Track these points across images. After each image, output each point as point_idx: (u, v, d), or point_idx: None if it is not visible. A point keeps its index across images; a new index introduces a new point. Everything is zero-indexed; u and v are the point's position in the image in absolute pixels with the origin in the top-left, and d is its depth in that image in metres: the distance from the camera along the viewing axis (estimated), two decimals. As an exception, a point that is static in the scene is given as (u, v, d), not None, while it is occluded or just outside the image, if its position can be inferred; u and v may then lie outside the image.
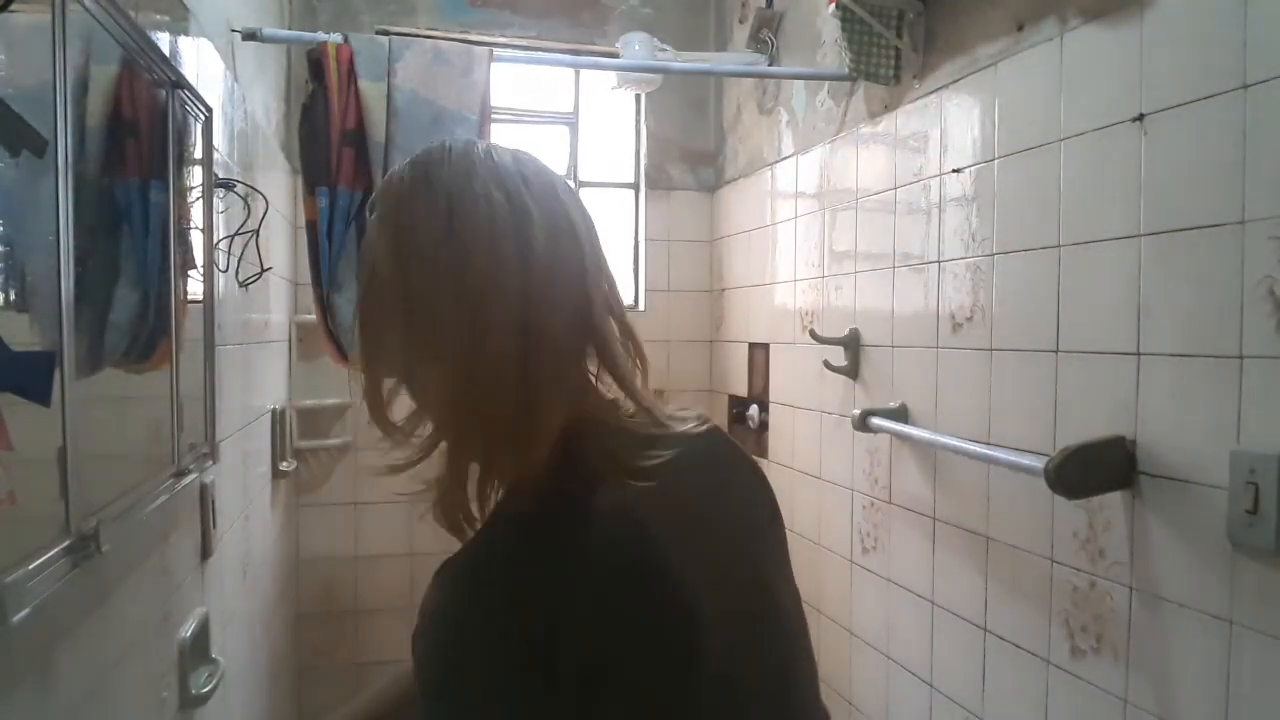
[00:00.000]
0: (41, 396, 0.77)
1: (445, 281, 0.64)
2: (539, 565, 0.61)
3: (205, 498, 1.52)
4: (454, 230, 0.64)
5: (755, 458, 0.83)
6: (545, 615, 0.58)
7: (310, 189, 1.90)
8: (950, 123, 1.86)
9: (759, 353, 2.91)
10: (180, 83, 1.24)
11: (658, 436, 0.70)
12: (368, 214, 0.71)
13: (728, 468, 0.79)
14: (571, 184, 0.58)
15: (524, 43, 3.10)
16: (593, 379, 0.70)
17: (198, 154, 1.41)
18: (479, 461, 0.67)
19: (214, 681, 1.43)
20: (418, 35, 2.74)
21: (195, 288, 1.40)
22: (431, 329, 0.65)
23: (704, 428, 0.75)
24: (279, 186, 2.48)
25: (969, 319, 1.78)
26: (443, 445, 0.68)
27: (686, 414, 0.75)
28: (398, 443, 0.69)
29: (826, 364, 2.27)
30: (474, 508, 0.67)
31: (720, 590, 0.67)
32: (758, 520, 0.78)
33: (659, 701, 0.62)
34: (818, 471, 2.46)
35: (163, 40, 1.26)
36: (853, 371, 2.25)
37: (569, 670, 0.57)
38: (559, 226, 0.67)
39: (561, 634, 0.58)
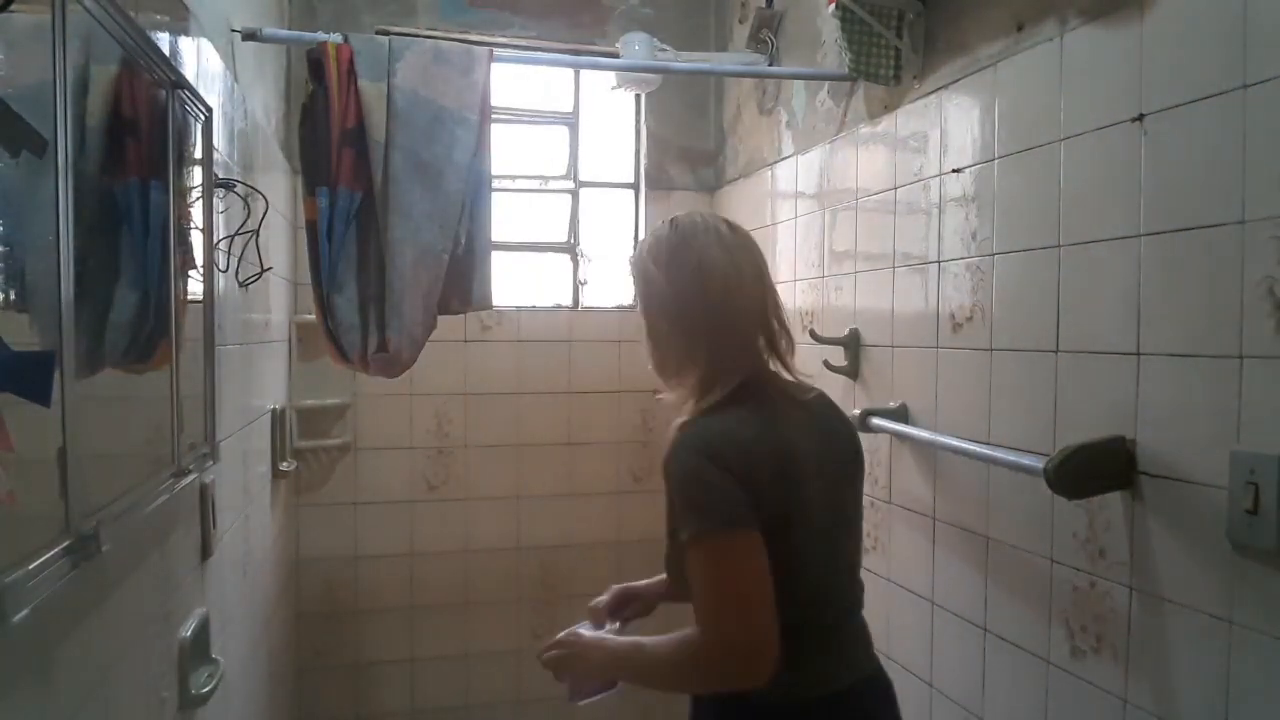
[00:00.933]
0: (41, 396, 0.76)
1: (694, 299, 1.24)
2: (723, 431, 1.19)
3: (205, 498, 1.52)
4: (700, 272, 1.24)
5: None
6: (723, 455, 1.15)
7: (310, 189, 1.89)
8: (950, 123, 1.86)
9: (759, 353, 2.90)
10: (180, 83, 1.24)
11: (801, 388, 1.32)
12: (636, 258, 1.32)
13: (835, 417, 1.37)
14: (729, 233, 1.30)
15: (524, 43, 3.10)
16: (765, 354, 1.28)
17: (198, 154, 1.41)
18: (701, 387, 1.25)
19: (214, 681, 1.43)
20: (418, 35, 2.74)
21: (195, 288, 1.40)
22: (688, 321, 1.25)
23: (817, 392, 1.36)
24: (279, 186, 2.48)
25: (969, 319, 1.78)
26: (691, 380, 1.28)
27: (811, 384, 1.36)
28: (669, 382, 1.31)
29: (826, 364, 2.27)
30: (693, 407, 1.26)
31: (818, 476, 1.23)
32: (846, 453, 1.35)
33: (780, 513, 1.16)
34: (818, 471, 2.46)
35: (163, 40, 1.26)
36: (853, 371, 2.25)
37: (739, 481, 1.14)
38: (746, 271, 1.26)
39: (731, 465, 1.14)
